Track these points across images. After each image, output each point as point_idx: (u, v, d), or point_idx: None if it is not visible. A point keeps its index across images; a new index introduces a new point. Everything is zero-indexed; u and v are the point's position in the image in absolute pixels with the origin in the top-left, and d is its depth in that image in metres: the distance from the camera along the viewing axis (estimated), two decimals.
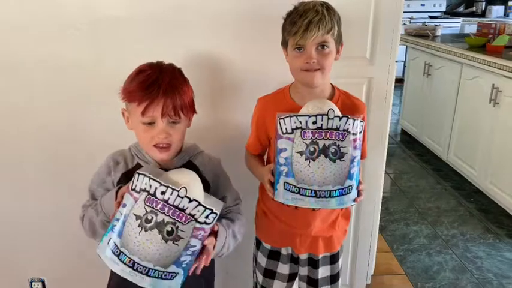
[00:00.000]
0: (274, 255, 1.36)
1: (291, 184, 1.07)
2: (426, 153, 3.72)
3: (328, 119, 1.03)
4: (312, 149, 1.04)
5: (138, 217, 0.94)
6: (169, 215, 0.94)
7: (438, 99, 3.51)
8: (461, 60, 3.12)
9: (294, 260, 1.37)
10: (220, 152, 1.42)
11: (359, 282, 1.93)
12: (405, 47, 4.21)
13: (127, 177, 1.08)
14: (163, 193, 0.94)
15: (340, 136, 1.04)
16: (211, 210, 0.96)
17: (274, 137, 1.09)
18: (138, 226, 0.94)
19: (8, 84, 1.43)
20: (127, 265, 0.95)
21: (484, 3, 6.26)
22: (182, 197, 0.94)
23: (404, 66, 4.95)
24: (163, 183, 0.93)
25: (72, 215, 1.19)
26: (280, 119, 1.05)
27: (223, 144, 1.53)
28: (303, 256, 1.35)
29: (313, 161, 1.04)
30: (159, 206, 0.94)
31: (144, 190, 0.94)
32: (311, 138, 1.04)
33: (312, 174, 1.05)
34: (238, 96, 1.51)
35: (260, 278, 1.40)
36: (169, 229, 0.95)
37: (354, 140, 1.05)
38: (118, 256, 0.95)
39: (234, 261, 1.64)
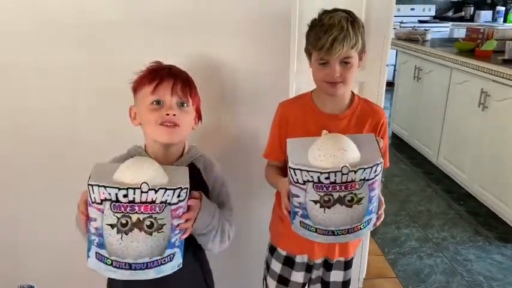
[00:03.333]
0: (288, 262, 1.37)
1: (308, 225, 1.07)
2: (417, 156, 3.75)
3: (342, 174, 1.00)
4: (326, 198, 1.03)
5: (112, 226, 0.90)
6: (142, 212, 0.90)
7: (428, 102, 3.54)
8: (451, 64, 3.15)
9: (308, 268, 1.37)
10: (229, 157, 1.42)
11: (351, 286, 1.92)
12: (395, 51, 4.25)
13: None
14: (125, 196, 0.89)
15: (357, 186, 1.03)
16: (180, 187, 0.92)
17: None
18: (117, 233, 0.91)
19: (2, 86, 1.42)
20: (125, 269, 0.93)
21: (472, 8, 6.35)
22: (146, 192, 0.89)
23: (395, 70, 5.01)
24: (121, 187, 0.88)
25: (64, 221, 1.17)
26: (291, 168, 1.02)
27: (231, 149, 1.53)
28: (318, 260, 1.36)
29: (329, 208, 1.04)
30: (128, 208, 0.90)
31: (105, 199, 0.89)
32: (325, 192, 1.02)
33: (329, 219, 1.05)
34: (241, 100, 1.51)
35: (273, 284, 1.39)
36: (149, 223, 0.91)
37: (371, 184, 1.04)
38: (112, 265, 0.93)
39: (240, 266, 1.66)
